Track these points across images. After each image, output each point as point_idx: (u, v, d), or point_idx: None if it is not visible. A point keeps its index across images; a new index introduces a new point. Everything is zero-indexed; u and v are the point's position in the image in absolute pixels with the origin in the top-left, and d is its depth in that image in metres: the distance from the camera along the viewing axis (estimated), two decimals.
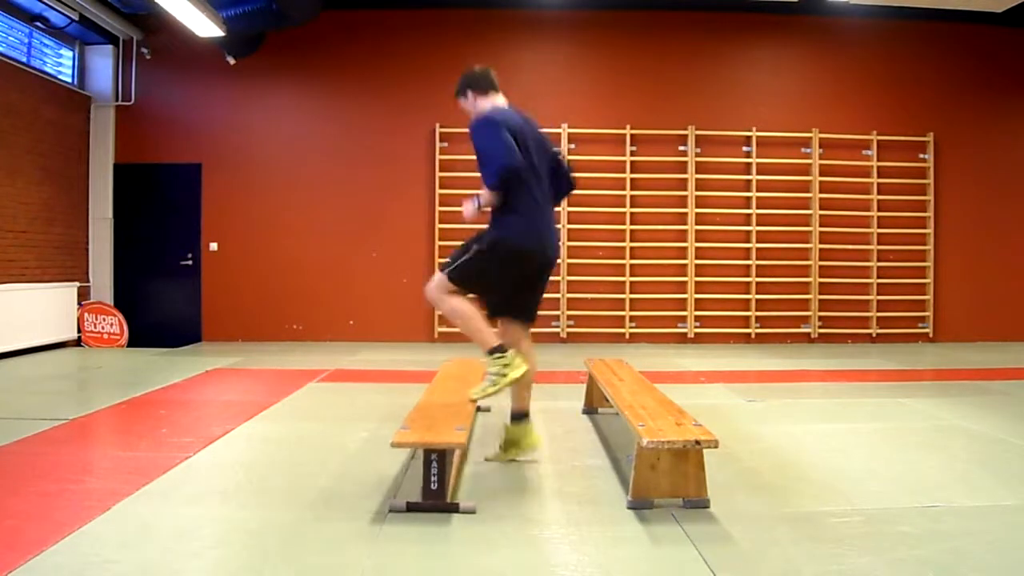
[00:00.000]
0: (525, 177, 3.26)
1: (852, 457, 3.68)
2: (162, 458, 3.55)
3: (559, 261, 8.68)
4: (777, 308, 8.92)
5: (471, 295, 3.40)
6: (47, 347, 7.77)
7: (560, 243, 3.52)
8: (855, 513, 2.82)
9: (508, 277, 3.36)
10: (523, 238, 3.30)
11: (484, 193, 3.24)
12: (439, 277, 3.34)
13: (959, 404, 4.99)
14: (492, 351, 3.28)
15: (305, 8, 7.83)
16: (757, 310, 8.90)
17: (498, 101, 3.53)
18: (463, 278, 3.30)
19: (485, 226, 3.39)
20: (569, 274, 8.74)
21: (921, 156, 9.04)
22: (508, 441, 3.53)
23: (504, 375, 3.27)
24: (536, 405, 4.91)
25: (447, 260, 3.37)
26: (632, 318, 8.87)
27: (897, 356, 7.76)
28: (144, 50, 8.82)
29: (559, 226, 8.66)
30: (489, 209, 3.31)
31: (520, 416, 3.54)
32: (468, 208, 3.33)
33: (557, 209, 8.84)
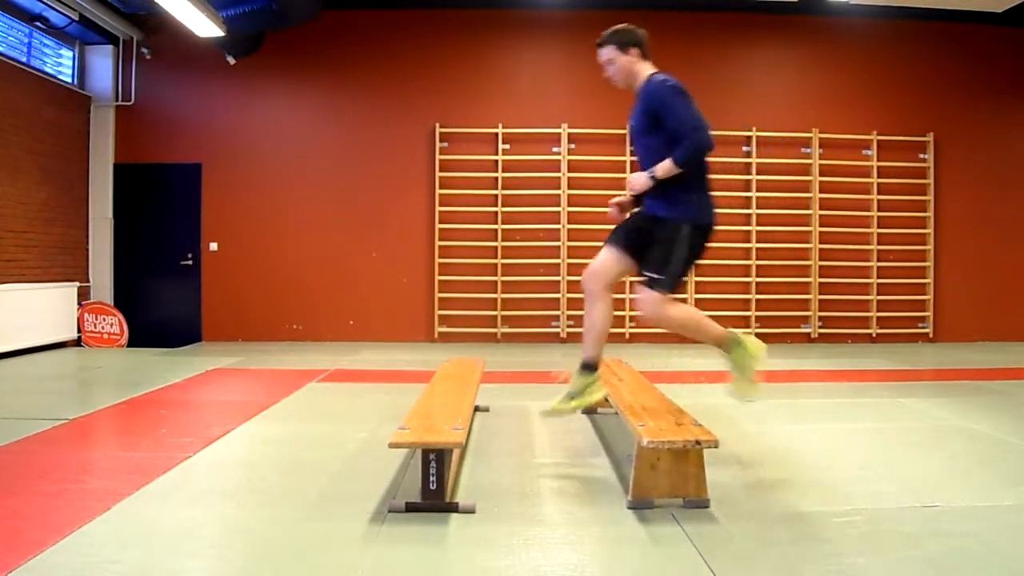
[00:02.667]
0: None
1: (852, 457, 3.68)
2: (162, 458, 3.55)
3: (558, 261, 8.77)
4: (777, 308, 8.92)
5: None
6: (47, 347, 7.77)
7: None
8: (855, 513, 2.82)
9: (701, 253, 3.27)
10: (712, 215, 3.24)
11: (666, 166, 3.08)
12: (654, 297, 3.16)
13: (959, 404, 4.99)
14: (731, 342, 3.27)
15: (305, 8, 7.83)
16: (757, 310, 8.90)
17: (650, 69, 3.38)
18: (676, 283, 3.20)
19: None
20: (569, 274, 8.72)
21: (921, 156, 9.04)
22: (571, 391, 3.35)
23: (748, 365, 3.25)
24: (536, 405, 4.92)
25: (655, 276, 3.15)
26: (632, 318, 8.86)
27: (897, 356, 7.76)
28: (144, 50, 8.82)
29: (558, 226, 8.67)
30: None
31: (586, 366, 3.36)
32: (640, 181, 3.18)
33: (557, 209, 8.82)
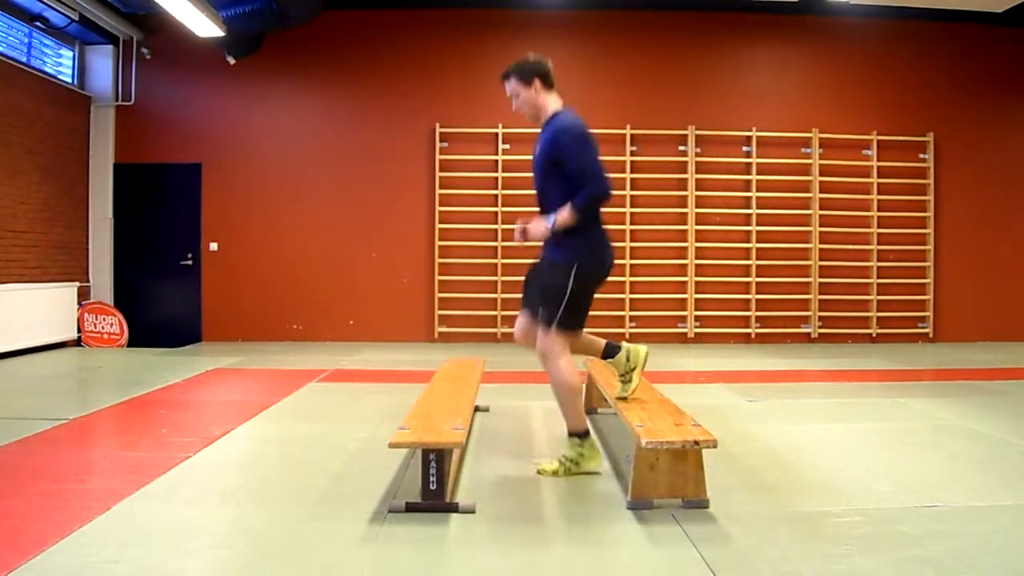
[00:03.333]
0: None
1: (852, 457, 3.68)
2: (162, 458, 3.55)
3: None
4: (777, 308, 8.92)
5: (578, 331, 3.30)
6: (47, 347, 7.77)
7: None
8: (855, 513, 2.82)
9: (591, 296, 3.28)
10: (607, 256, 3.29)
11: (564, 215, 3.12)
12: (550, 336, 3.17)
13: (959, 404, 4.99)
14: (579, 435, 3.26)
15: (305, 8, 7.83)
16: (757, 310, 8.90)
17: (556, 101, 3.38)
18: (572, 320, 3.20)
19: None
20: None
21: (921, 156, 9.04)
22: (565, 457, 3.33)
23: (578, 463, 3.27)
24: (537, 404, 4.93)
25: (545, 314, 3.18)
26: (632, 318, 8.87)
27: (897, 356, 7.76)
28: (144, 50, 8.82)
29: None
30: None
31: (572, 433, 3.32)
32: (539, 230, 3.19)
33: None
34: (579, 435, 3.28)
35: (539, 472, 3.32)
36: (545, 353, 3.24)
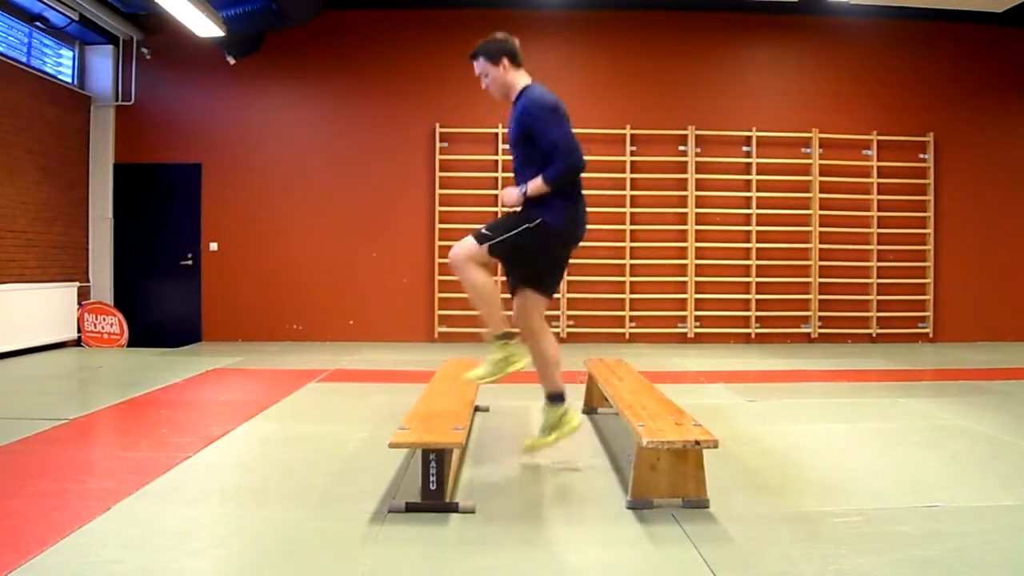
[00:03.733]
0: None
1: (852, 457, 3.68)
2: (162, 458, 3.55)
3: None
4: (777, 308, 8.92)
5: (503, 269, 3.32)
6: (47, 347, 7.77)
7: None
8: (855, 513, 2.82)
9: (548, 257, 3.33)
10: (571, 224, 3.28)
11: (536, 184, 3.15)
12: (471, 245, 3.17)
13: (959, 404, 4.99)
14: (502, 336, 3.26)
15: (305, 8, 7.83)
16: (757, 310, 8.90)
17: (524, 77, 3.38)
18: (503, 252, 3.19)
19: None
20: (569, 274, 8.72)
21: (921, 156, 9.04)
22: (546, 425, 3.41)
23: (507, 363, 3.26)
24: (536, 405, 4.91)
25: (485, 231, 3.21)
26: (632, 318, 8.87)
27: (897, 356, 7.76)
28: (144, 50, 8.82)
29: None
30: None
31: (555, 398, 3.41)
32: (512, 196, 3.24)
33: None
34: (504, 336, 3.27)
35: (468, 379, 3.34)
36: (456, 256, 3.20)
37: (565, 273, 3.58)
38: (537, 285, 3.39)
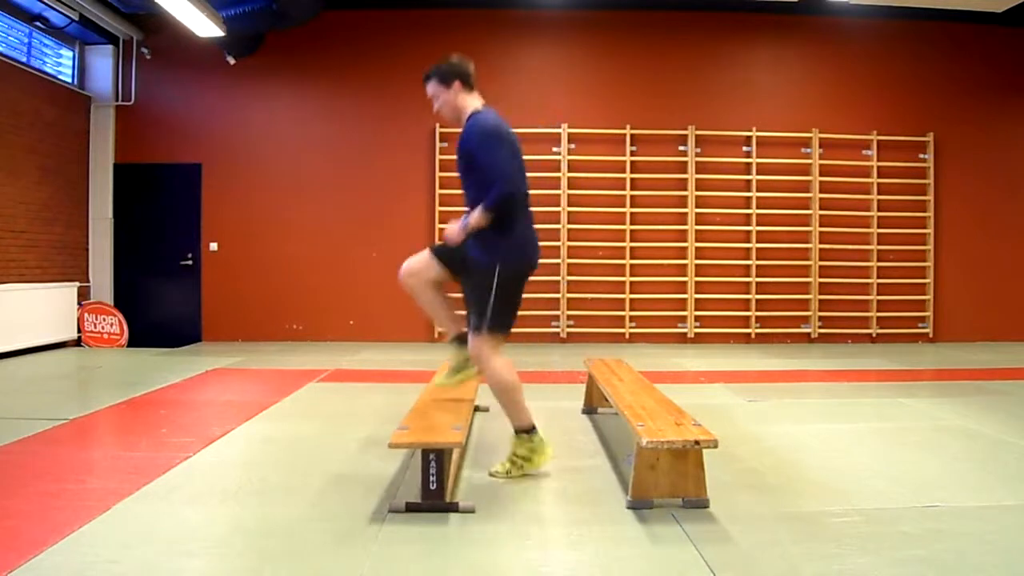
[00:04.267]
0: (526, 195, 3.20)
1: (852, 457, 3.68)
2: (162, 458, 3.55)
3: (558, 261, 8.76)
4: (777, 308, 8.92)
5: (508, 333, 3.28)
6: (47, 347, 7.77)
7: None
8: (855, 513, 2.82)
9: (518, 294, 3.29)
10: (530, 254, 3.26)
11: (476, 216, 3.11)
12: (480, 339, 3.20)
13: (959, 404, 4.99)
14: (526, 431, 3.24)
15: (305, 8, 7.82)
16: (757, 310, 8.90)
17: (476, 101, 3.36)
18: (503, 323, 3.20)
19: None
20: (569, 274, 8.74)
21: (921, 156, 9.04)
22: (518, 454, 3.31)
23: (530, 459, 3.25)
24: (536, 404, 4.91)
25: (474, 318, 3.21)
26: (632, 318, 8.87)
27: (897, 356, 7.76)
28: (144, 50, 8.82)
29: (558, 226, 8.67)
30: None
31: (523, 431, 3.30)
32: (454, 233, 3.20)
33: (557, 209, 8.81)
34: (526, 431, 3.25)
35: (492, 475, 3.28)
36: (478, 356, 3.24)
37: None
38: (496, 321, 3.24)
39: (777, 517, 2.80)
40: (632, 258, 8.84)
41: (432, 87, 3.35)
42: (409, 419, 3.14)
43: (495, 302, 3.16)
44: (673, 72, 9.02)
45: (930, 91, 9.09)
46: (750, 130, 8.87)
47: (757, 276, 8.88)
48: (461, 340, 3.35)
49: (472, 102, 3.33)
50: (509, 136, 3.20)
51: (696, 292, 8.87)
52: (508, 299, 3.21)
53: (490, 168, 3.09)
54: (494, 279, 3.14)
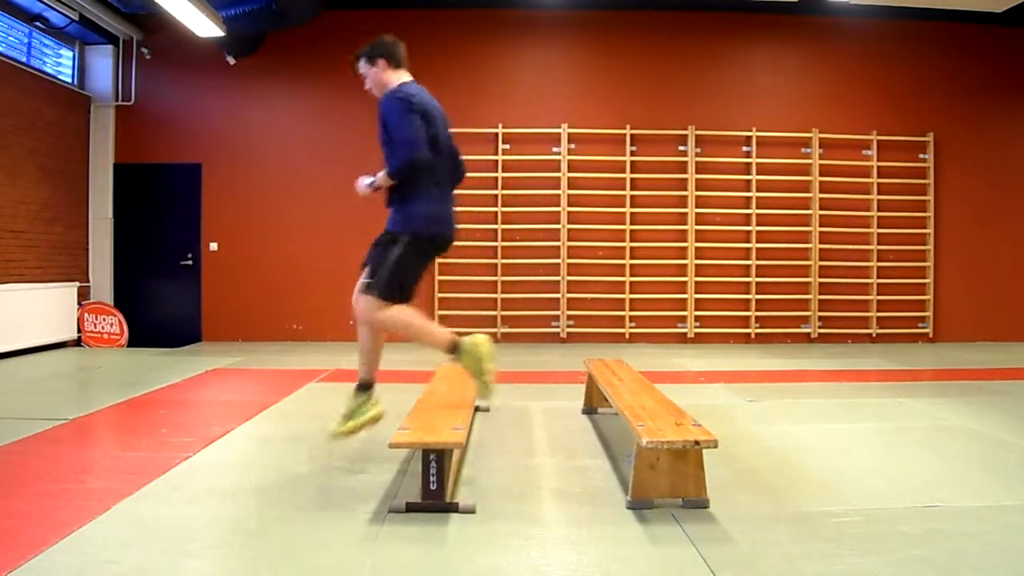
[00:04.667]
0: (432, 163, 3.23)
1: (852, 457, 3.68)
2: (162, 458, 3.55)
3: (558, 261, 8.77)
4: (777, 308, 8.93)
5: (407, 300, 3.32)
6: (47, 347, 7.77)
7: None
8: (855, 513, 2.82)
9: (423, 267, 3.35)
10: (434, 225, 3.31)
11: (381, 177, 3.24)
12: (366, 301, 3.24)
13: (959, 404, 4.99)
14: (452, 347, 3.26)
15: (305, 8, 7.83)
16: (757, 310, 8.90)
17: (404, 77, 3.45)
18: (391, 291, 3.23)
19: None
20: (569, 274, 8.73)
21: (921, 156, 9.04)
22: (346, 412, 3.41)
23: (477, 355, 3.26)
24: (536, 405, 4.94)
25: (369, 279, 3.26)
26: (632, 318, 8.87)
27: (897, 356, 7.76)
28: (144, 50, 8.82)
29: (558, 226, 8.67)
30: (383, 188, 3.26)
31: (362, 386, 3.44)
32: (361, 186, 3.31)
33: (557, 209, 8.78)
34: (454, 346, 3.27)
35: (334, 436, 3.36)
36: (362, 316, 3.28)
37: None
38: (410, 295, 3.33)
39: (777, 517, 2.80)
40: (632, 258, 8.84)
41: (361, 66, 3.46)
42: (409, 419, 3.14)
43: (393, 268, 3.21)
44: (673, 72, 9.02)
45: (930, 91, 9.09)
46: (750, 130, 8.87)
47: (757, 276, 8.88)
48: (363, 388, 3.38)
49: (398, 78, 3.42)
50: (423, 106, 3.25)
51: (696, 292, 8.87)
52: (406, 268, 3.25)
53: (399, 137, 3.16)
54: (397, 246, 3.22)
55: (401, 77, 3.42)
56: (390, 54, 3.43)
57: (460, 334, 3.34)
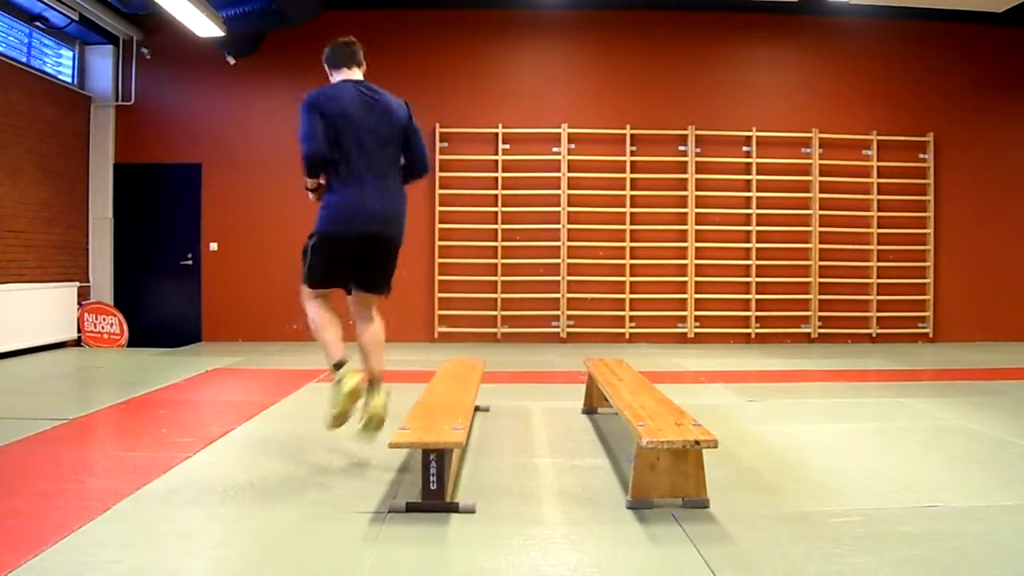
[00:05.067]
0: (337, 158, 3.31)
1: (852, 457, 3.68)
2: (162, 458, 3.55)
3: (558, 261, 8.76)
4: (777, 308, 8.93)
5: (321, 288, 3.44)
6: (47, 347, 7.77)
7: (391, 216, 3.59)
8: (855, 513, 2.82)
9: (335, 260, 3.40)
10: (330, 224, 3.37)
11: (306, 179, 3.41)
12: (302, 288, 3.46)
13: (959, 404, 4.99)
14: (333, 366, 3.34)
15: (305, 8, 7.83)
16: (757, 310, 8.90)
17: (342, 77, 3.61)
18: (310, 276, 3.41)
19: None
20: (569, 274, 8.73)
21: (921, 156, 9.04)
22: (331, 396, 3.39)
23: (335, 393, 3.28)
24: (536, 405, 4.94)
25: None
26: (632, 318, 8.87)
27: (897, 356, 7.76)
28: (144, 50, 8.82)
29: (558, 226, 8.66)
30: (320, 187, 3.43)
31: (337, 366, 3.41)
32: (307, 194, 3.51)
33: (557, 209, 8.79)
34: (335, 366, 3.34)
35: (328, 426, 3.34)
36: (302, 304, 3.50)
37: (382, 270, 3.59)
38: (342, 283, 3.49)
39: (777, 517, 2.80)
40: (632, 258, 8.84)
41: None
42: (409, 419, 3.14)
43: (308, 257, 3.40)
44: (673, 72, 9.02)
45: (930, 91, 9.09)
46: (750, 130, 8.87)
47: (757, 276, 8.89)
48: (336, 368, 3.38)
49: (332, 80, 3.66)
50: (325, 105, 3.37)
51: (696, 292, 8.87)
52: (317, 257, 3.38)
53: (300, 135, 3.32)
54: (309, 239, 3.42)
55: (340, 76, 3.64)
56: (327, 59, 3.69)
57: (345, 363, 3.35)
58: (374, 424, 3.38)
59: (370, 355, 3.52)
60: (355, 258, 3.43)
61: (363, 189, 3.38)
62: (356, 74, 3.64)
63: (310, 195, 3.49)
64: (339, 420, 3.30)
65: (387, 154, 3.47)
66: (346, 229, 3.37)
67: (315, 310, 3.43)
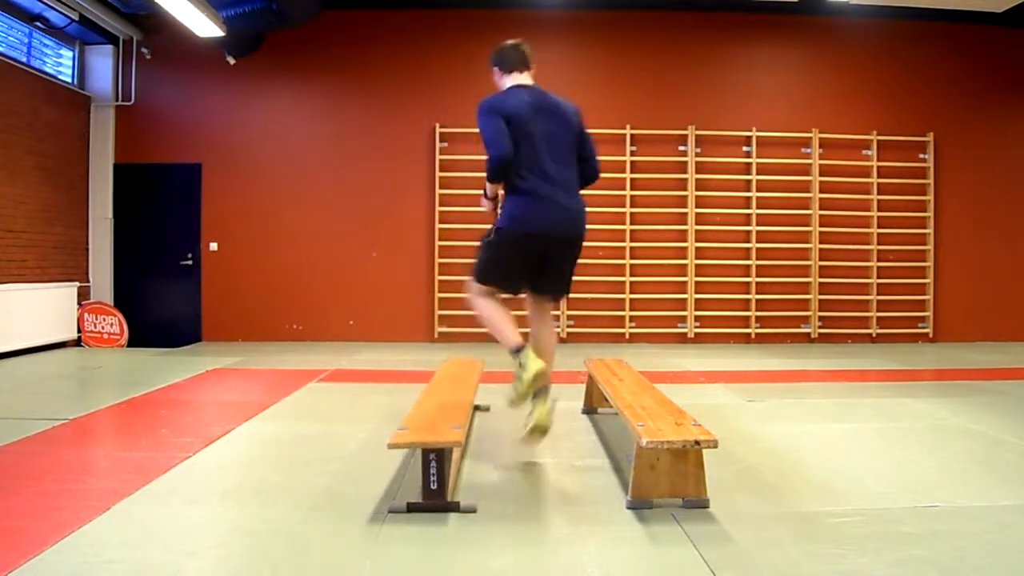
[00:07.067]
0: (521, 161, 3.27)
1: (852, 457, 3.68)
2: (162, 458, 3.55)
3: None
4: (777, 308, 8.92)
5: (496, 287, 3.46)
6: (47, 347, 7.77)
7: (579, 216, 3.54)
8: (855, 513, 2.82)
9: (517, 260, 3.40)
10: (519, 223, 3.32)
11: (488, 185, 3.41)
12: (468, 283, 3.48)
13: (959, 404, 4.99)
14: (513, 351, 3.34)
15: (305, 8, 7.83)
16: (757, 310, 8.90)
17: (512, 81, 3.54)
18: (482, 274, 3.42)
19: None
20: None
21: (921, 156, 9.04)
22: (514, 376, 3.38)
23: (519, 377, 3.29)
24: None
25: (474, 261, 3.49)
26: (632, 318, 8.87)
27: (897, 356, 7.76)
28: (144, 50, 8.82)
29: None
30: (499, 196, 3.43)
31: (516, 351, 3.41)
32: (483, 203, 3.51)
33: None
34: (515, 351, 3.35)
35: (510, 404, 3.35)
36: (468, 301, 3.53)
37: (562, 272, 3.58)
38: (525, 286, 3.56)
39: (777, 517, 2.80)
40: (632, 258, 8.84)
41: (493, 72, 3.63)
42: (409, 419, 3.14)
43: (484, 254, 3.41)
44: (673, 72, 9.02)
45: (930, 91, 9.09)
46: (750, 130, 8.87)
47: (757, 276, 8.89)
48: (515, 353, 3.39)
49: (501, 84, 3.57)
50: (502, 107, 3.34)
51: (696, 292, 8.87)
52: (496, 257, 3.39)
53: (483, 141, 3.31)
54: (488, 235, 3.39)
55: (510, 81, 3.55)
56: (498, 61, 3.60)
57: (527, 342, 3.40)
58: (538, 433, 3.33)
59: (542, 358, 3.44)
60: (540, 258, 3.43)
61: (554, 190, 3.36)
62: (527, 78, 3.59)
63: (486, 204, 3.47)
64: (519, 402, 3.31)
65: (568, 157, 3.47)
66: (540, 227, 3.34)
67: (484, 303, 3.45)
